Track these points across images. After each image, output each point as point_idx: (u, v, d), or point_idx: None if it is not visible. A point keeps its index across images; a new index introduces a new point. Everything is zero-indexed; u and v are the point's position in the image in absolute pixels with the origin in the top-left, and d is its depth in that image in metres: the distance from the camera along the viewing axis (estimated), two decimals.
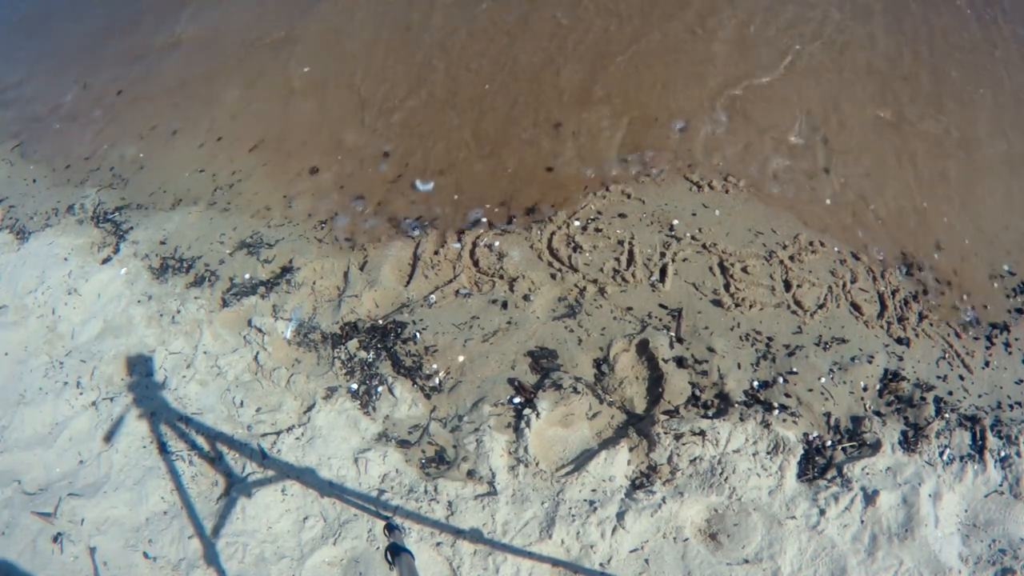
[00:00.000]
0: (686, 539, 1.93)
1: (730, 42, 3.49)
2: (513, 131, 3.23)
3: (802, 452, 2.06)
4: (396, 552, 1.38)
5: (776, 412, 2.14)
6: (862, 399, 2.19)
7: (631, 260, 2.62)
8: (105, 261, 3.03)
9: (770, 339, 2.35)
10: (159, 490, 2.20)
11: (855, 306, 2.45)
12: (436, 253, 2.75)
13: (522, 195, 2.96)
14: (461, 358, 2.40)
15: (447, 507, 2.02)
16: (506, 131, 3.24)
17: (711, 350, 2.31)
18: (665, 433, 2.09)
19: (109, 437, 2.36)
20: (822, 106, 3.21)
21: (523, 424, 2.16)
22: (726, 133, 3.08)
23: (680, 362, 2.29)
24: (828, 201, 2.82)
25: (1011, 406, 2.18)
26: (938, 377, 2.25)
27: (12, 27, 5.53)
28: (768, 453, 2.05)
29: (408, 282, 2.67)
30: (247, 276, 2.81)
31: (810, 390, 2.20)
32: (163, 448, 2.31)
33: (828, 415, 2.15)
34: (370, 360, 2.43)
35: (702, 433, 2.08)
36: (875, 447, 2.06)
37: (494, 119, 3.31)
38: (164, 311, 2.74)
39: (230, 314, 2.68)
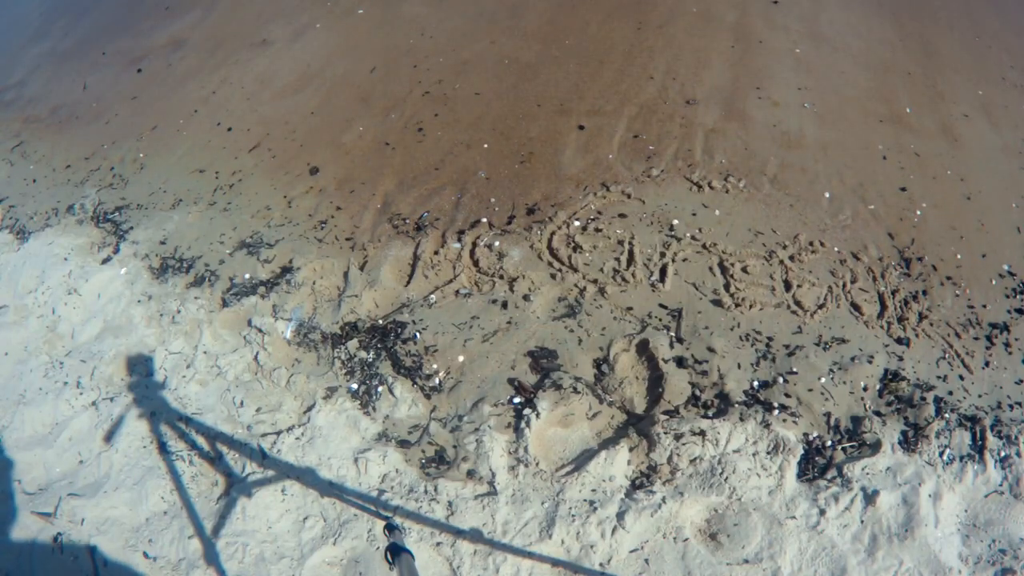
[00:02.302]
0: (686, 539, 1.93)
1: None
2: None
3: (802, 452, 2.06)
4: (396, 552, 1.38)
5: (776, 412, 2.14)
6: (862, 399, 2.19)
7: (631, 260, 2.62)
8: (105, 261, 3.03)
9: (770, 339, 2.35)
10: (159, 490, 2.20)
11: (855, 306, 2.45)
12: (436, 253, 2.75)
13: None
14: (461, 358, 2.40)
15: (447, 507, 2.02)
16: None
17: (711, 350, 2.31)
18: (665, 433, 2.09)
19: (109, 437, 2.36)
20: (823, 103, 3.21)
21: (523, 424, 2.16)
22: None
23: (680, 362, 2.29)
24: (827, 196, 2.82)
25: (1011, 406, 2.18)
26: (938, 377, 2.25)
27: (13, 27, 5.53)
28: (768, 453, 2.05)
29: (408, 282, 2.67)
30: (247, 276, 2.81)
31: (810, 390, 2.20)
32: (163, 448, 2.31)
33: (828, 415, 2.15)
34: (370, 360, 2.43)
35: (702, 433, 2.08)
36: (875, 447, 2.06)
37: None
38: (164, 311, 2.74)
39: (230, 314, 2.68)
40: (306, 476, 2.14)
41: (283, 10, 4.50)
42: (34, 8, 5.74)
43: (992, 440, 2.08)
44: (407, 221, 2.91)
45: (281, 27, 4.32)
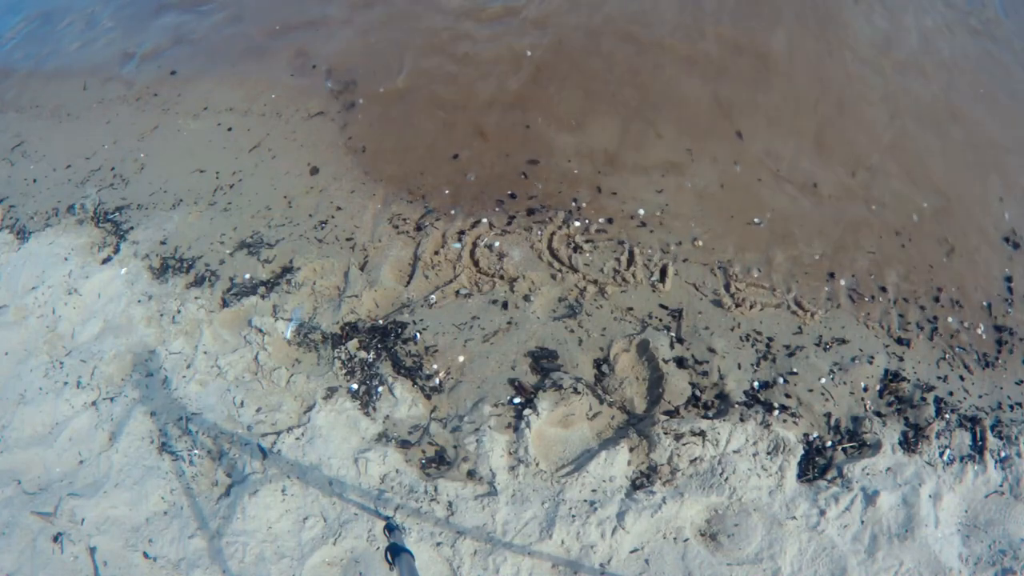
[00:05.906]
0: (686, 539, 1.93)
1: None
2: None
3: (802, 452, 2.06)
4: (396, 552, 1.38)
5: (776, 412, 2.14)
6: (862, 399, 2.19)
7: (631, 260, 2.62)
8: (105, 261, 3.03)
9: (770, 339, 2.35)
10: (159, 490, 2.20)
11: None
12: (436, 253, 2.75)
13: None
14: (461, 358, 2.40)
15: (447, 507, 2.02)
16: None
17: (711, 350, 2.31)
18: (665, 433, 2.09)
19: (109, 437, 2.36)
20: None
21: (523, 424, 2.16)
22: None
23: (680, 362, 2.29)
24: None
25: (1011, 406, 2.18)
26: (938, 377, 2.25)
27: (13, 27, 5.53)
28: (768, 453, 2.05)
29: (408, 282, 2.67)
30: (247, 276, 2.81)
31: (810, 390, 2.20)
32: (163, 448, 2.31)
33: (828, 415, 2.15)
34: (370, 360, 2.43)
35: (702, 433, 2.08)
36: (875, 447, 2.06)
37: None
38: (164, 311, 2.74)
39: (230, 314, 2.68)
40: (306, 476, 2.14)
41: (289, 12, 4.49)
42: (35, 8, 5.73)
43: (992, 440, 2.08)
44: (407, 221, 2.91)
45: (286, 28, 4.32)
